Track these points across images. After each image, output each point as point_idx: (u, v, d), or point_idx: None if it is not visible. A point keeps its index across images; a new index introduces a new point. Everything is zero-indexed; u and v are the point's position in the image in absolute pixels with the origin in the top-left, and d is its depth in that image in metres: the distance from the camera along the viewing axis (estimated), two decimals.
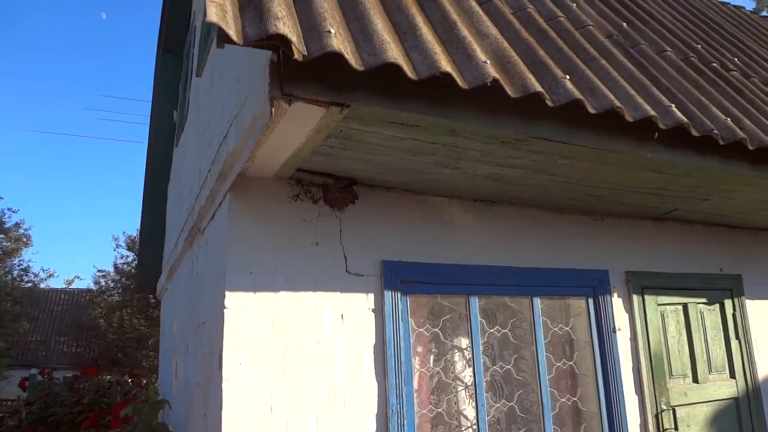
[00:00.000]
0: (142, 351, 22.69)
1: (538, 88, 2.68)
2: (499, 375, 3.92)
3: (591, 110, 2.84)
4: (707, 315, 4.68)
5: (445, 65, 2.50)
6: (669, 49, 4.31)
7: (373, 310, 3.44)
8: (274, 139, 2.75)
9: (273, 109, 2.38)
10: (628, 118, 2.96)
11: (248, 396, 3.05)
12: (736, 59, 5.02)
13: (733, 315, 4.77)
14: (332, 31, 2.35)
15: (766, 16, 8.62)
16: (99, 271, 25.59)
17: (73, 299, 29.46)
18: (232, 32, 2.16)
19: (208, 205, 3.83)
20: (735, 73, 4.59)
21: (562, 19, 3.73)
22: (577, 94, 2.80)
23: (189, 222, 4.60)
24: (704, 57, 4.55)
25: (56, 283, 33.56)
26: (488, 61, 2.66)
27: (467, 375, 3.90)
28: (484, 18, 3.20)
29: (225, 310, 3.11)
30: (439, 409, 3.74)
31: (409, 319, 3.53)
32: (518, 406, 3.90)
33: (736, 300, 4.81)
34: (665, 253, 4.62)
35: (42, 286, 29.05)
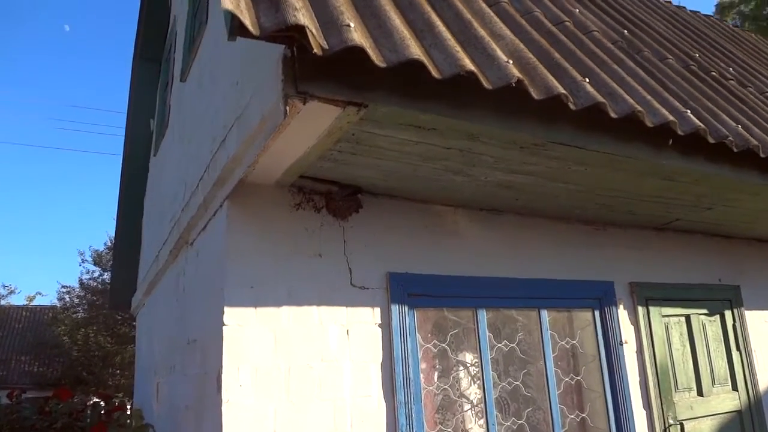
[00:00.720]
0: (108, 369, 21.94)
1: (562, 90, 2.56)
2: (507, 392, 3.76)
3: (612, 114, 2.73)
4: (709, 326, 4.60)
5: (469, 64, 2.35)
6: (670, 57, 4.27)
7: (379, 325, 3.25)
8: (282, 143, 2.56)
9: (287, 108, 2.19)
10: (648, 123, 2.86)
11: (250, 420, 2.82)
12: (731, 69, 5.02)
13: (733, 326, 4.71)
14: (352, 25, 2.19)
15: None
16: (63, 287, 24.76)
17: (35, 316, 28.44)
18: (248, 22, 1.97)
19: (200, 215, 3.60)
20: (732, 81, 4.57)
21: (568, 23, 3.65)
22: (599, 97, 2.68)
23: (174, 234, 4.35)
24: (703, 66, 4.52)
25: (17, 300, 32.35)
26: (511, 61, 2.53)
27: (473, 392, 3.73)
28: (496, 19, 3.07)
29: (224, 327, 2.88)
30: (447, 430, 3.55)
31: (417, 334, 3.35)
32: (527, 424, 3.73)
33: (735, 311, 4.76)
34: (667, 264, 4.55)
35: (2, 303, 28.00)
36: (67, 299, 24.49)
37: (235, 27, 2.01)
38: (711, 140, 3.11)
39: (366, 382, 3.13)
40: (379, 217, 3.43)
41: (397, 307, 3.29)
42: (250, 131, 2.59)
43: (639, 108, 2.81)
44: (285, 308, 3.03)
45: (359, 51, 2.14)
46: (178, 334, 4.23)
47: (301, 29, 2.02)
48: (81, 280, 24.11)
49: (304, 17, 2.04)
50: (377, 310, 3.26)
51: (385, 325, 3.26)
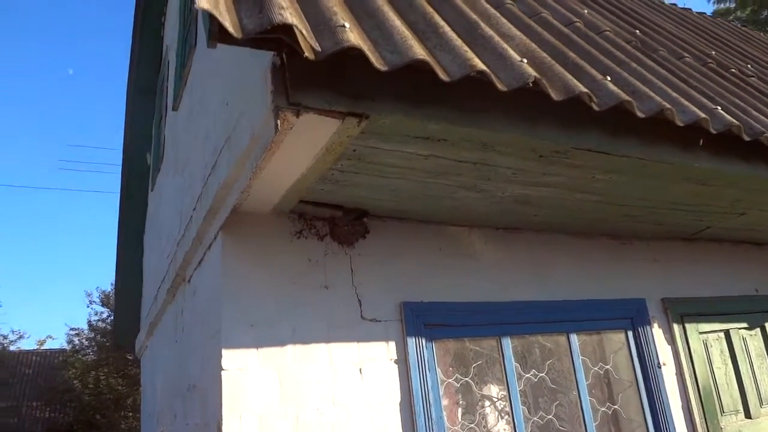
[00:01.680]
0: (120, 412, 21.53)
1: (583, 89, 2.29)
2: (539, 427, 3.42)
3: (639, 114, 2.46)
4: (750, 341, 4.27)
5: (480, 64, 2.09)
6: (687, 55, 4.02)
7: (395, 361, 2.94)
8: (276, 164, 2.30)
9: (279, 122, 1.93)
10: (678, 122, 2.58)
11: None
12: (749, 65, 4.77)
13: None
14: (347, 25, 1.94)
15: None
16: (72, 329, 24.45)
17: (46, 361, 28.09)
18: (228, 23, 1.72)
19: (194, 249, 3.33)
20: (754, 79, 4.31)
21: (579, 24, 3.41)
22: (624, 96, 2.42)
23: (171, 271, 4.08)
24: (721, 63, 4.26)
25: (28, 345, 32.01)
26: (525, 60, 2.27)
27: (501, 429, 3.40)
28: (503, 20, 2.82)
29: (222, 372, 2.59)
30: None
31: (437, 368, 3.04)
32: None
33: None
34: (699, 276, 4.23)
35: (12, 348, 27.68)
36: (76, 342, 24.19)
37: (214, 31, 1.76)
38: (746, 137, 2.84)
39: (384, 426, 2.82)
40: (388, 242, 3.15)
41: (414, 339, 2.99)
42: (240, 152, 2.34)
43: (667, 106, 2.54)
44: (290, 347, 2.74)
45: (357, 54, 1.89)
46: (178, 379, 3.93)
47: (288, 29, 1.76)
48: (89, 321, 23.83)
49: (291, 16, 1.79)
50: (392, 345, 2.96)
51: (402, 361, 2.95)
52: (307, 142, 2.18)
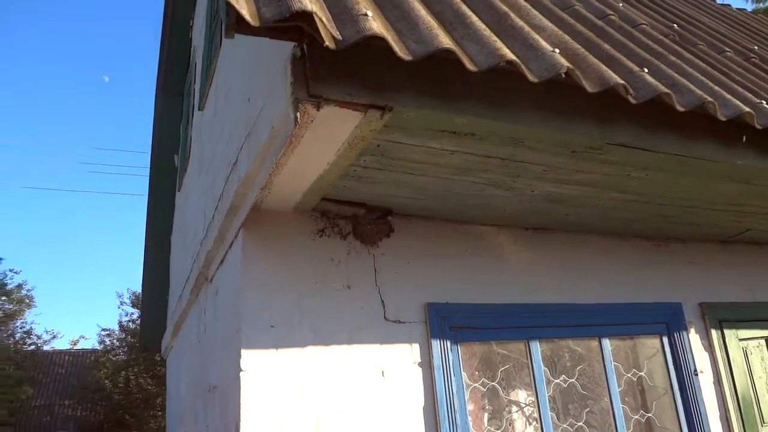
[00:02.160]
0: (149, 411, 21.76)
1: (619, 80, 2.17)
2: None
3: (679, 107, 2.33)
4: None
5: (509, 54, 1.99)
6: (728, 49, 3.85)
7: (419, 364, 2.85)
8: (297, 159, 2.23)
9: (298, 114, 1.86)
10: (720, 116, 2.45)
11: None
12: None
13: None
14: (370, 14, 1.86)
15: None
16: (103, 330, 24.84)
17: (78, 360, 28.58)
18: (245, 12, 1.65)
19: (217, 248, 3.29)
20: None
21: (613, 17, 3.29)
22: (663, 88, 2.29)
23: (194, 270, 4.06)
24: (764, 58, 4.08)
25: (61, 344, 32.63)
26: (557, 50, 2.16)
27: None
28: (534, 12, 2.71)
29: (241, 374, 2.53)
30: None
31: (462, 372, 2.93)
32: None
33: None
34: (737, 280, 4.05)
35: (46, 348, 28.20)
36: (107, 342, 24.55)
37: (232, 21, 1.70)
38: None
39: (407, 431, 2.72)
40: (413, 241, 3.06)
41: (438, 342, 2.89)
42: (259, 147, 2.27)
43: (709, 99, 2.41)
44: (310, 349, 2.67)
45: (380, 44, 1.81)
46: (200, 380, 3.90)
47: (308, 17, 1.69)
48: (120, 322, 24.17)
49: (311, 3, 1.72)
50: (416, 347, 2.87)
51: (426, 364, 2.86)
52: (329, 136, 2.10)
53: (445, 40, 1.91)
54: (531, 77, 2.01)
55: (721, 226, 3.77)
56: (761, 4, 17.38)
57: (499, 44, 2.03)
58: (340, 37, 1.76)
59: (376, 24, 1.83)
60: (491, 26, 2.30)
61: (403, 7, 2.11)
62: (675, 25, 3.92)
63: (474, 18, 2.23)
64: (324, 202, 2.82)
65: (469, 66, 1.92)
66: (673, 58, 2.88)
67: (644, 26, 3.39)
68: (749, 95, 2.81)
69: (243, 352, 2.55)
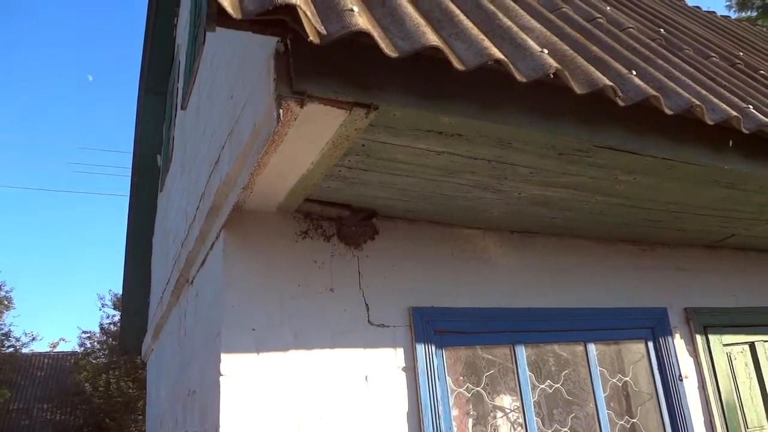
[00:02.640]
0: (130, 415, 21.49)
1: (608, 82, 2.15)
2: None
3: (667, 110, 2.31)
4: None
5: (498, 53, 1.96)
6: (714, 55, 3.86)
7: (403, 369, 2.80)
8: (280, 158, 2.17)
9: (281, 111, 1.81)
10: (708, 120, 2.43)
11: None
12: None
13: None
14: (356, 9, 1.81)
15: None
16: (84, 332, 24.52)
17: (57, 363, 28.18)
18: (227, 4, 1.60)
19: (197, 249, 3.22)
20: None
21: (601, 20, 3.27)
22: (651, 91, 2.27)
23: (175, 272, 3.98)
24: (750, 64, 4.09)
25: (40, 347, 32.09)
26: (546, 51, 2.13)
27: None
28: (522, 12, 2.68)
29: (221, 378, 2.46)
30: None
31: (447, 377, 2.89)
32: None
33: None
34: (723, 286, 4.05)
35: (24, 350, 27.75)
36: (88, 345, 24.23)
37: (213, 13, 1.64)
38: None
39: None
40: (398, 244, 3.02)
41: (423, 346, 2.84)
42: (241, 146, 2.22)
43: (697, 103, 2.39)
44: (292, 353, 2.61)
45: (366, 40, 1.77)
46: (180, 384, 3.82)
47: (292, 11, 1.64)
48: (101, 324, 23.87)
49: None
50: (400, 351, 2.82)
51: (410, 369, 2.81)
52: (312, 134, 2.05)
53: (432, 38, 1.87)
54: (519, 77, 1.98)
55: (707, 231, 3.77)
56: (744, 13, 17.62)
57: (487, 43, 2.00)
58: (324, 32, 1.71)
59: (362, 20, 1.78)
60: (479, 26, 2.27)
61: (390, 4, 2.07)
62: (662, 30, 3.92)
63: (462, 17, 2.20)
64: (308, 203, 2.76)
65: (457, 65, 1.89)
66: (661, 62, 2.87)
67: (632, 30, 3.38)
68: (736, 100, 2.81)
69: (223, 356, 2.49)
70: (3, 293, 25.46)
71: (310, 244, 2.81)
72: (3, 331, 25.76)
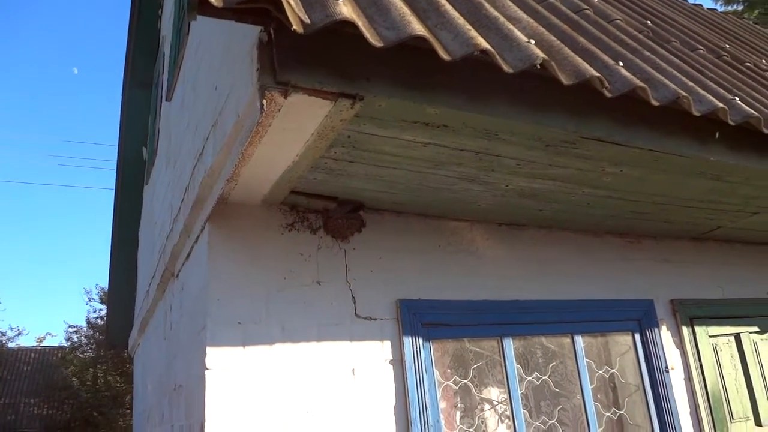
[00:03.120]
0: (118, 410, 21.39)
1: (594, 73, 2.14)
2: None
3: (653, 102, 2.30)
4: (761, 345, 4.10)
5: (484, 43, 1.94)
6: (700, 47, 3.86)
7: (390, 362, 2.79)
8: (264, 149, 2.15)
9: (264, 102, 1.79)
10: (694, 111, 2.43)
11: None
12: (763, 60, 4.61)
13: None
14: None
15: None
16: (70, 326, 24.36)
17: (44, 358, 27.97)
18: None
19: (182, 242, 3.18)
20: None
21: (588, 11, 3.26)
22: (638, 82, 2.26)
23: (160, 265, 3.94)
24: (736, 57, 4.10)
25: (27, 341, 31.94)
26: (533, 41, 2.11)
27: None
28: (509, 3, 2.66)
29: (206, 372, 2.44)
30: None
31: (434, 370, 2.88)
32: None
33: None
34: (708, 278, 4.07)
35: (11, 345, 27.55)
36: (75, 339, 24.08)
37: (194, 2, 1.61)
38: (765, 130, 2.68)
39: (377, 430, 2.66)
40: (385, 236, 3.00)
41: (410, 339, 2.83)
42: (225, 137, 2.19)
43: (683, 94, 2.39)
44: (278, 346, 2.59)
45: (350, 30, 1.74)
46: (166, 378, 3.79)
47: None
48: (88, 319, 23.72)
49: None
50: (387, 344, 2.81)
51: (397, 362, 2.80)
52: (297, 126, 2.03)
53: (417, 27, 1.84)
54: (506, 67, 1.96)
55: (693, 223, 3.78)
56: (730, 7, 17.70)
57: (474, 33, 1.97)
58: (308, 21, 1.68)
59: (346, 9, 1.75)
60: (466, 16, 2.24)
61: None
62: (649, 22, 3.91)
63: (448, 6, 2.17)
64: (293, 196, 2.74)
65: (443, 55, 1.86)
66: (648, 54, 2.86)
67: (619, 21, 3.37)
68: (722, 91, 2.81)
69: (208, 349, 2.46)
70: None
71: (296, 236, 2.79)
72: None
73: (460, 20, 2.06)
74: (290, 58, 1.79)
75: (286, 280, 2.70)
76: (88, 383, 21.71)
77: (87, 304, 24.61)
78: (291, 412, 2.52)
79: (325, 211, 2.84)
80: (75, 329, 24.15)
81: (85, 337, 24.01)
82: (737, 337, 4.02)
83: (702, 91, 2.60)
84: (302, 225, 2.81)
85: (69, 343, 24.59)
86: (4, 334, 26.82)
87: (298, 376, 2.58)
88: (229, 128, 2.14)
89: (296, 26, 1.66)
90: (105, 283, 23.00)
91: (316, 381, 2.61)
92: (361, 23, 1.79)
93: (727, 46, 4.39)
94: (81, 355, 23.42)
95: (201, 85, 3.18)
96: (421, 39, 1.82)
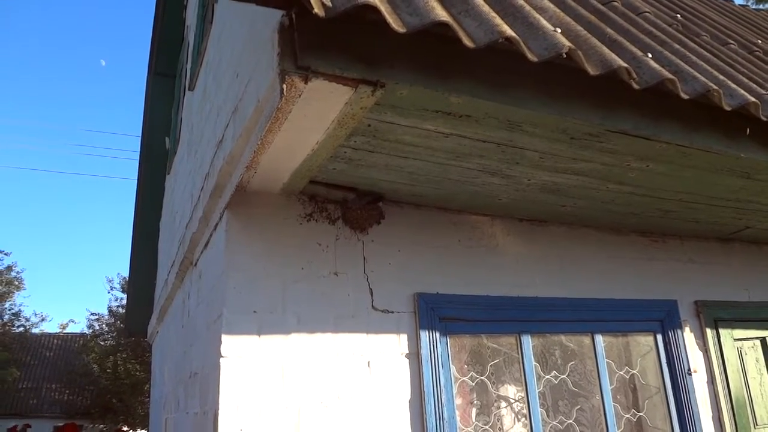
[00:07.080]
0: (137, 397, 21.71)
1: (622, 63, 2.08)
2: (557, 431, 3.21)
3: (683, 95, 2.23)
4: None
5: (509, 30, 1.89)
6: (731, 42, 3.76)
7: (407, 355, 2.76)
8: (284, 136, 2.12)
9: (285, 87, 1.76)
10: (725, 105, 2.36)
11: None
12: None
13: None
14: None
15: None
16: (92, 314, 24.76)
17: (66, 344, 28.47)
18: None
19: (201, 230, 3.18)
20: None
21: (616, 3, 3.18)
22: (667, 74, 2.20)
23: (179, 254, 3.95)
24: None
25: (50, 327, 32.46)
26: (559, 30, 2.06)
27: None
28: None
29: (221, 360, 2.43)
30: None
31: (450, 365, 2.85)
32: None
33: None
34: (735, 280, 3.97)
35: (35, 330, 28.09)
36: (96, 327, 24.46)
37: None
38: None
39: (391, 424, 2.64)
40: (404, 229, 2.97)
41: (427, 333, 2.80)
42: (245, 123, 2.17)
43: (714, 87, 2.32)
44: (294, 336, 2.57)
45: (373, 15, 1.70)
46: (183, 366, 3.80)
47: None
48: (110, 307, 24.09)
49: None
50: (404, 338, 2.78)
51: (414, 355, 2.77)
52: (317, 113, 2.00)
53: (441, 14, 1.80)
54: (531, 56, 1.91)
55: (720, 223, 3.69)
56: (762, 6, 17.32)
57: (499, 20, 1.93)
58: (330, 5, 1.66)
59: None
60: (490, 4, 2.19)
61: None
62: (678, 16, 3.82)
63: None
64: (312, 185, 2.72)
65: (467, 42, 1.82)
66: (677, 46, 2.79)
67: (647, 14, 3.29)
68: (754, 86, 2.73)
69: (224, 337, 2.45)
70: (14, 274, 25.73)
71: (314, 226, 2.77)
72: (14, 311, 26.08)
73: (485, 7, 2.01)
74: (311, 43, 1.76)
75: (304, 271, 2.68)
76: (108, 370, 22.04)
77: (109, 292, 24.97)
78: (305, 402, 2.51)
79: (344, 201, 2.82)
80: (97, 317, 24.55)
81: (107, 325, 24.38)
82: (763, 340, 3.92)
83: (733, 85, 2.52)
84: (321, 215, 2.79)
85: (90, 331, 24.99)
86: (28, 320, 27.35)
87: (312, 366, 2.56)
88: (249, 114, 2.13)
89: (318, 10, 1.63)
90: (126, 272, 23.32)
91: (331, 372, 2.59)
92: (383, 8, 1.76)
93: (759, 41, 4.27)
94: (102, 343, 23.79)
95: (223, 73, 3.17)
96: (444, 26, 1.78)
